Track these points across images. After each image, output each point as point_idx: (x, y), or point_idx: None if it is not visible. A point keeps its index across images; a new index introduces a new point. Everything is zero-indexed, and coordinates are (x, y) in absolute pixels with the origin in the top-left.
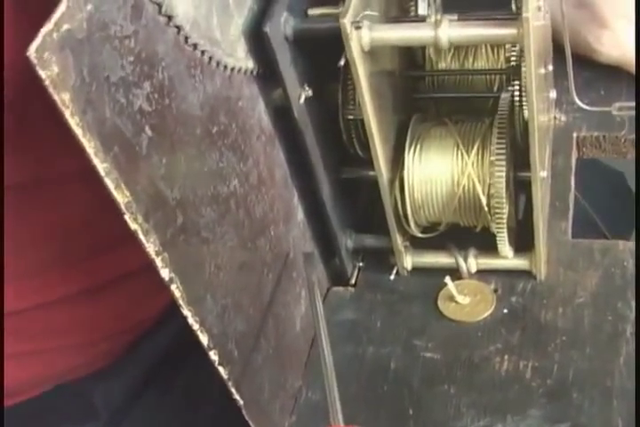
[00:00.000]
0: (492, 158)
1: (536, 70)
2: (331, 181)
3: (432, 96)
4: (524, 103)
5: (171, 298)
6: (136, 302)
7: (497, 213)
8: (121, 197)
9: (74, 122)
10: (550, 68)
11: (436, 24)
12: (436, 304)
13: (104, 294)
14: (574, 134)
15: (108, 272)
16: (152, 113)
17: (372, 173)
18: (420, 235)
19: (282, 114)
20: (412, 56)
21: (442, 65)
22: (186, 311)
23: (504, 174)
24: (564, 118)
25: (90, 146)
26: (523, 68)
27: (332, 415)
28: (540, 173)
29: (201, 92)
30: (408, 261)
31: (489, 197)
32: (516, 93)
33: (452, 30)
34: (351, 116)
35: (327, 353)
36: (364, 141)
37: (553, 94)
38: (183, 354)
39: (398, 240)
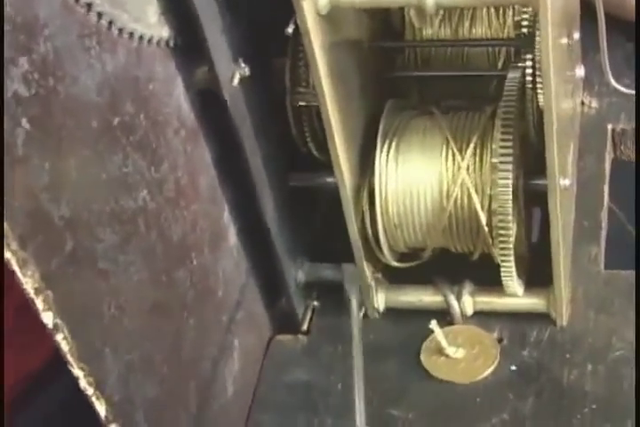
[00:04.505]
0: (495, 161)
1: (555, 39)
2: (275, 191)
3: (414, 75)
4: (538, 85)
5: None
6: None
7: (501, 236)
8: None
9: None
10: (577, 36)
11: None
12: (419, 359)
13: None
14: (609, 127)
15: None
16: (31, 100)
17: (331, 179)
18: (396, 264)
19: (208, 100)
20: (386, 21)
21: (427, 33)
22: (76, 371)
23: (510, 182)
24: (595, 104)
25: None
26: (537, 38)
27: None
28: (561, 180)
29: (98, 70)
30: (380, 299)
31: (490, 213)
32: (529, 72)
33: None
34: (302, 103)
35: None
36: (321, 137)
37: (580, 72)
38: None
39: (367, 271)
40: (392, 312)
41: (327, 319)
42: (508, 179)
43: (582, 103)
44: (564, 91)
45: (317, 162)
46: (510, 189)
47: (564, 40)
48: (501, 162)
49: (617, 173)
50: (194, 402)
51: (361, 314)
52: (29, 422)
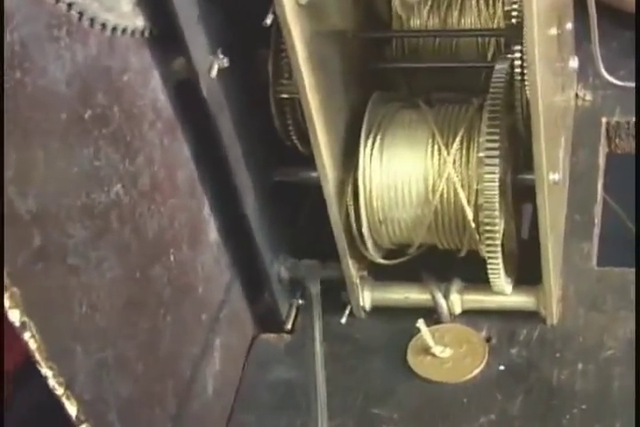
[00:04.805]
0: (481, 155)
1: (542, 29)
2: (258, 185)
3: (401, 67)
4: (526, 77)
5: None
6: None
7: (488, 232)
8: None
9: None
10: (569, 27)
11: None
12: (405, 358)
13: None
14: (603, 120)
15: None
16: None
17: (315, 174)
18: (381, 261)
19: (186, 92)
20: (372, 11)
21: (415, 23)
22: (45, 369)
23: (497, 177)
24: (589, 97)
25: None
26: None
27: None
28: (550, 175)
29: (68, 61)
30: (366, 297)
31: (476, 208)
32: (517, 63)
33: None
34: (285, 95)
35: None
36: (305, 131)
37: (574, 64)
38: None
39: (351, 269)
40: (378, 311)
41: (312, 318)
42: (494, 173)
43: (576, 96)
44: (553, 83)
45: (301, 156)
46: (497, 184)
47: (554, 30)
48: (488, 156)
49: (612, 167)
50: (172, 402)
51: (320, 308)
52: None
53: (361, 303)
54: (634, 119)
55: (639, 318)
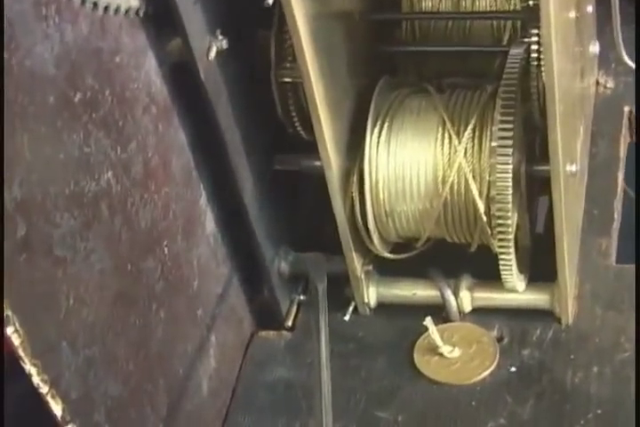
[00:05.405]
0: (494, 144)
1: (559, 12)
2: (257, 175)
3: (411, 50)
4: (542, 62)
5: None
6: None
7: (500, 226)
8: None
9: None
10: (589, 10)
11: None
12: (411, 358)
13: None
14: (625, 108)
15: None
16: None
17: (317, 163)
18: (387, 255)
19: (182, 75)
20: None
21: (427, 4)
22: (29, 367)
23: (510, 168)
24: (610, 84)
25: None
26: None
27: None
28: (567, 166)
29: (56, 41)
30: (371, 294)
31: (488, 200)
32: (534, 48)
33: None
34: (287, 79)
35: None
36: (309, 117)
37: (595, 49)
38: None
39: (356, 263)
40: (383, 308)
41: (313, 315)
42: (507, 164)
43: (597, 83)
44: (571, 68)
45: (304, 144)
46: (510, 175)
47: (572, 13)
48: (501, 145)
49: (633, 158)
50: (164, 402)
51: (326, 304)
52: None
53: (365, 300)
54: None
55: (639, 317)
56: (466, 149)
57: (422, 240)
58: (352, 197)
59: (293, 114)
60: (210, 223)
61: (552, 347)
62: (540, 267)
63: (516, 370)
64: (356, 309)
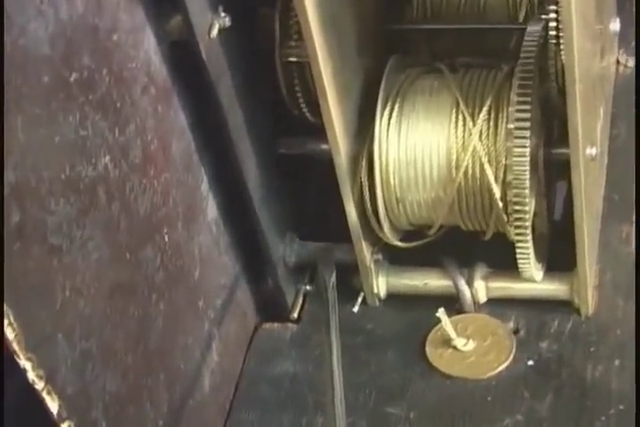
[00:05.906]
0: (511, 126)
1: None
2: (261, 159)
3: (422, 28)
4: (561, 40)
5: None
6: None
7: (517, 212)
8: None
9: None
10: None
11: None
12: (423, 352)
13: None
14: None
15: None
16: None
17: (325, 146)
18: (398, 244)
19: (182, 54)
20: None
21: None
22: (23, 361)
23: (528, 151)
24: (631, 63)
25: None
26: None
27: None
28: (587, 149)
29: (51, 19)
30: (380, 284)
31: (504, 185)
32: (552, 25)
33: None
34: (293, 59)
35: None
36: (315, 98)
37: (615, 26)
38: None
39: (365, 252)
40: (394, 298)
41: (320, 306)
42: (525, 147)
43: (617, 62)
44: (591, 47)
45: (310, 126)
46: (528, 159)
47: None
48: (518, 128)
49: None
50: (164, 398)
51: (335, 296)
52: None
53: (375, 290)
54: None
55: (639, 315)
56: (481, 132)
57: (435, 228)
58: (361, 183)
59: (299, 95)
60: (212, 210)
61: (571, 339)
62: (559, 255)
63: (534, 364)
64: (364, 300)
